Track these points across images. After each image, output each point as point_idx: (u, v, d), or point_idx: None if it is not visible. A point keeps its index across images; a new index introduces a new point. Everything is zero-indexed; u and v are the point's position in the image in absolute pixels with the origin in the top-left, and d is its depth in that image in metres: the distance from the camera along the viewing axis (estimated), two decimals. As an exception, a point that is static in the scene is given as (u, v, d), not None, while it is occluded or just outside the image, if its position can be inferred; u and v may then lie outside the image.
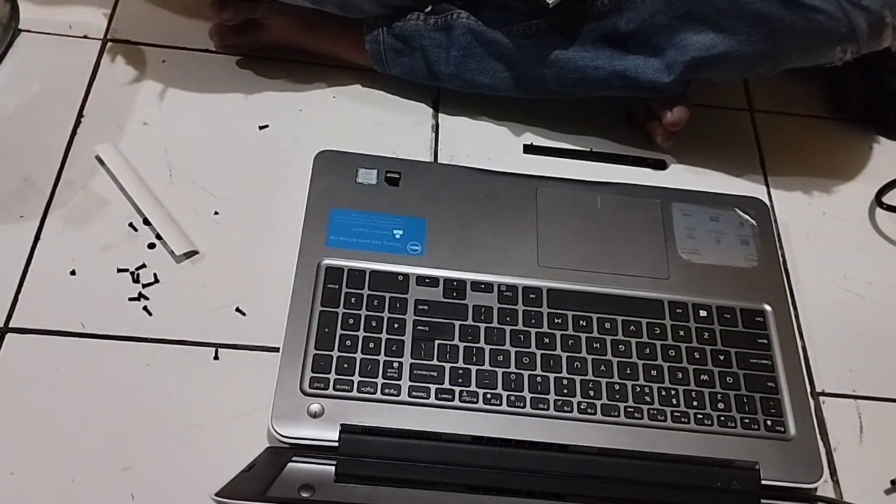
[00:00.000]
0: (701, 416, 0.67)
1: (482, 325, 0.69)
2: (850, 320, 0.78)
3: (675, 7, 0.75)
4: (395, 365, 0.66)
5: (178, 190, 0.77)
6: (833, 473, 0.70)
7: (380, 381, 0.66)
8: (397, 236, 0.73)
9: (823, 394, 0.74)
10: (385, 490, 0.61)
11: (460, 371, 0.67)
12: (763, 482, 0.65)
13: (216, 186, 0.78)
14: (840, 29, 0.72)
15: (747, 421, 0.67)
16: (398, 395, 0.65)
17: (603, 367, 0.68)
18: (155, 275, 0.72)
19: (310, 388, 0.65)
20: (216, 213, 0.77)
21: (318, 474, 0.61)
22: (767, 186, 0.86)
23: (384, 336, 0.68)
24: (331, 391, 0.65)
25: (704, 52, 0.76)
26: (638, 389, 0.68)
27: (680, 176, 0.85)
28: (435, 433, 0.64)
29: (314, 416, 0.64)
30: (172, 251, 0.73)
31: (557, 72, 0.80)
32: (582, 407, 0.66)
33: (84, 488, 0.62)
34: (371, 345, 0.67)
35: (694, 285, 0.74)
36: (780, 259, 0.78)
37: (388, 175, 0.76)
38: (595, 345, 0.69)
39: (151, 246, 0.74)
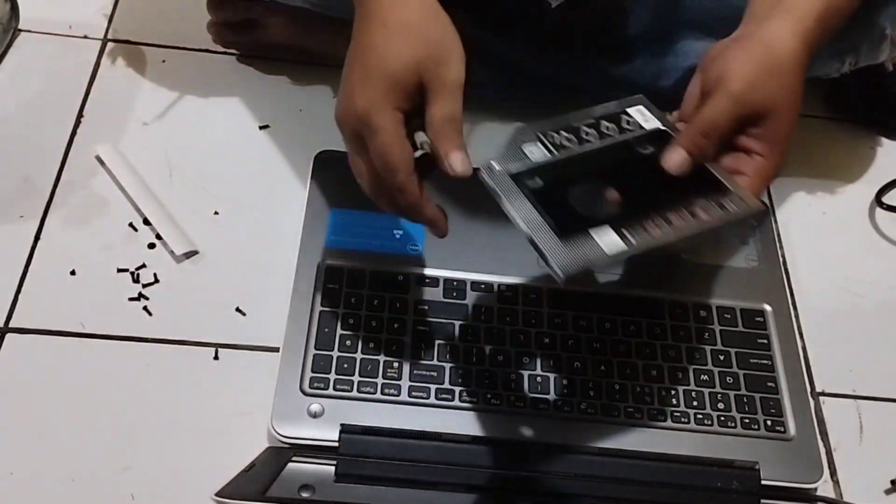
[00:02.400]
0: (701, 416, 0.67)
1: (482, 325, 0.69)
2: (850, 320, 0.78)
3: (676, 13, 0.75)
4: (395, 365, 0.66)
5: (178, 190, 0.77)
6: (833, 473, 0.70)
7: (380, 381, 0.65)
8: (397, 236, 0.73)
9: (823, 394, 0.74)
10: (385, 490, 0.61)
11: (460, 371, 0.67)
12: (763, 482, 0.65)
13: (216, 186, 0.78)
14: (839, 40, 0.72)
15: (747, 421, 0.67)
16: (398, 395, 0.65)
17: (603, 367, 0.68)
18: (155, 275, 0.72)
19: (310, 388, 0.65)
20: (216, 213, 0.77)
21: (318, 474, 0.61)
22: (767, 186, 0.86)
23: (384, 336, 0.68)
24: (331, 391, 0.65)
25: None
26: (638, 389, 0.68)
27: (680, 176, 0.85)
28: (435, 433, 0.64)
29: (314, 416, 0.64)
30: (172, 251, 0.73)
31: (558, 73, 0.80)
32: (582, 407, 0.66)
33: (84, 488, 0.62)
34: (371, 345, 0.67)
35: (694, 285, 0.74)
36: (780, 259, 0.78)
37: (388, 175, 0.76)
38: (595, 345, 0.69)
39: (151, 246, 0.74)
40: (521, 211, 0.53)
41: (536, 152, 0.57)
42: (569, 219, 0.53)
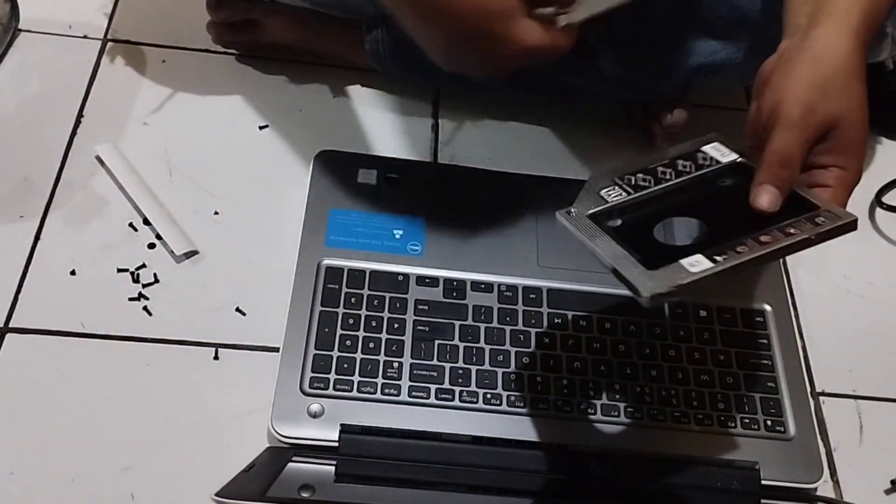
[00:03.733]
0: (701, 416, 0.67)
1: (482, 325, 0.69)
2: (850, 320, 0.78)
3: (676, 13, 0.75)
4: (395, 365, 0.66)
5: (178, 190, 0.77)
6: (833, 473, 0.70)
7: (380, 381, 0.65)
8: (397, 236, 0.73)
9: (823, 394, 0.74)
10: (385, 490, 0.61)
11: (460, 371, 0.67)
12: (763, 482, 0.65)
13: (216, 186, 0.78)
14: None
15: (747, 421, 0.67)
16: (398, 395, 0.65)
17: (603, 367, 0.68)
18: (155, 275, 0.72)
19: (310, 388, 0.65)
20: (216, 213, 0.77)
21: (318, 474, 0.61)
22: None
23: (384, 336, 0.68)
24: (331, 391, 0.65)
25: (705, 58, 0.76)
26: (638, 389, 0.68)
27: (680, 176, 0.85)
28: (435, 433, 0.64)
29: (314, 416, 0.64)
30: (172, 251, 0.73)
31: (557, 73, 0.80)
32: (581, 407, 0.66)
33: (84, 488, 0.62)
34: (371, 345, 0.67)
35: (694, 285, 0.74)
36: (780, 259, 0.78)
37: (388, 175, 0.76)
38: (595, 345, 0.69)
39: (151, 246, 0.74)
40: (603, 247, 0.53)
41: (614, 194, 0.57)
42: (654, 250, 0.52)
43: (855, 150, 0.56)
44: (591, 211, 0.55)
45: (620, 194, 0.57)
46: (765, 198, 0.54)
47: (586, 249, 0.53)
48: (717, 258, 0.50)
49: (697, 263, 0.50)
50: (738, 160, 0.58)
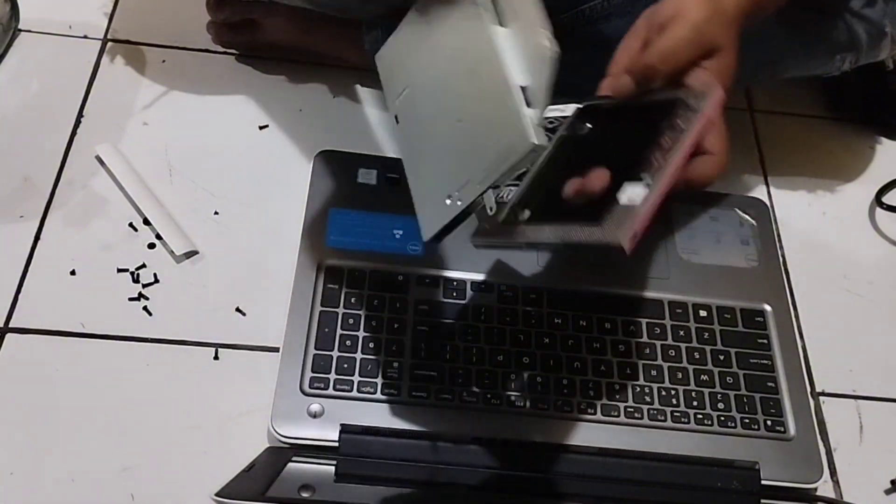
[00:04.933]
0: (701, 416, 0.67)
1: (482, 325, 0.69)
2: (850, 320, 0.78)
3: None
4: (395, 365, 0.66)
5: (178, 190, 0.77)
6: (833, 473, 0.70)
7: (380, 381, 0.65)
8: (397, 236, 0.73)
9: (823, 394, 0.74)
10: (385, 490, 0.61)
11: (460, 371, 0.67)
12: (763, 482, 0.65)
13: (216, 186, 0.78)
14: (840, 38, 0.72)
15: (747, 421, 0.67)
16: (398, 395, 0.65)
17: (603, 367, 0.68)
18: (155, 275, 0.72)
19: (310, 388, 0.65)
20: (216, 213, 0.77)
21: (318, 474, 0.61)
22: (767, 186, 0.86)
23: (384, 336, 0.68)
24: (331, 391, 0.65)
25: None
26: (638, 389, 0.68)
27: (680, 176, 0.85)
28: (435, 433, 0.64)
29: (314, 416, 0.64)
30: (172, 251, 0.73)
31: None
32: (582, 407, 0.66)
33: (84, 488, 0.62)
34: (371, 345, 0.67)
35: (694, 285, 0.74)
36: (780, 259, 0.78)
37: (388, 175, 0.76)
38: (595, 345, 0.69)
39: (151, 246, 0.74)
40: (538, 235, 0.53)
41: (505, 194, 0.56)
42: (583, 207, 0.51)
43: (727, 79, 0.54)
44: (502, 217, 0.54)
45: (511, 190, 0.55)
46: (609, 82, 0.53)
47: (522, 247, 0.53)
48: (644, 176, 0.49)
49: (633, 191, 0.48)
50: (580, 105, 0.57)
